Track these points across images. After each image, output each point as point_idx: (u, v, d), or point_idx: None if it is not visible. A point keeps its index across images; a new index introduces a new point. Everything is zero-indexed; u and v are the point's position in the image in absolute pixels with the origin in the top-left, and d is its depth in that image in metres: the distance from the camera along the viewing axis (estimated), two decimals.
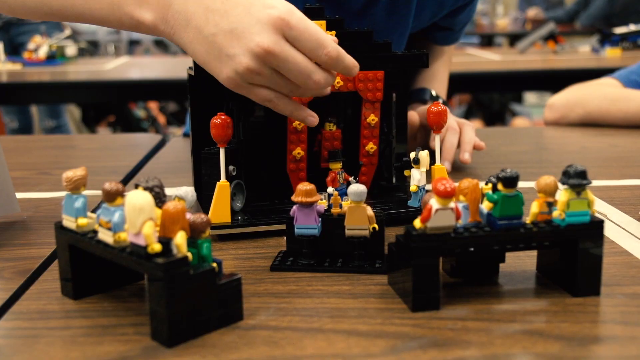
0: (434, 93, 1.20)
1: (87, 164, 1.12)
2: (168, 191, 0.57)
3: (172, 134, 3.66)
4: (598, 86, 1.47)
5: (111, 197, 0.53)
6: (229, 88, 0.71)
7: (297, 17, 0.68)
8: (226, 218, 0.73)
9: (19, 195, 0.87)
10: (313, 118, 0.74)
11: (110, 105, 4.33)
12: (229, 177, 0.74)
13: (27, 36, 3.20)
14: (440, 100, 1.24)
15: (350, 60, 0.71)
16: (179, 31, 0.72)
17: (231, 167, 0.75)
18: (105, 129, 4.47)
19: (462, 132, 1.06)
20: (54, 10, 0.81)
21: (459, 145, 1.04)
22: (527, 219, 0.58)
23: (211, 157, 0.76)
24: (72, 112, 4.27)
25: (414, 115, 1.05)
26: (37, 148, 1.34)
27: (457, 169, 1.05)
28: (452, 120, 1.07)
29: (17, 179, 1.02)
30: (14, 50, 3.18)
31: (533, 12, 5.73)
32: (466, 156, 1.03)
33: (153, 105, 4.60)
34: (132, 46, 6.08)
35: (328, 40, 0.69)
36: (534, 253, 0.64)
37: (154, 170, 1.09)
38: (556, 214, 0.57)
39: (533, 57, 2.95)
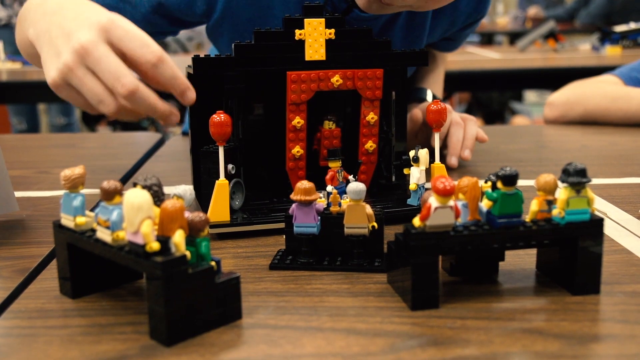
0: (429, 92, 1.20)
1: (86, 162, 1.12)
2: (167, 190, 0.57)
3: (171, 132, 3.66)
4: (598, 83, 1.47)
5: (109, 195, 0.53)
6: (53, 90, 0.71)
7: (124, 20, 0.69)
8: (225, 216, 0.73)
9: (18, 194, 0.87)
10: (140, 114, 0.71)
11: None
12: (228, 176, 0.73)
13: None
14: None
15: (176, 71, 0.68)
16: (40, 37, 0.75)
17: (230, 166, 0.75)
18: (104, 128, 4.46)
19: (464, 128, 1.06)
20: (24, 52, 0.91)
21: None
22: (527, 217, 0.58)
23: (210, 156, 0.76)
24: None
25: (417, 113, 1.05)
26: (35, 147, 1.34)
27: (458, 167, 1.04)
28: (456, 115, 1.07)
29: (16, 178, 1.02)
30: (16, 50, 3.18)
31: (533, 10, 5.73)
32: (466, 153, 1.03)
33: None
34: None
35: (154, 44, 0.69)
36: (534, 251, 0.64)
37: (153, 169, 1.09)
38: (556, 212, 0.57)
39: (533, 55, 2.95)
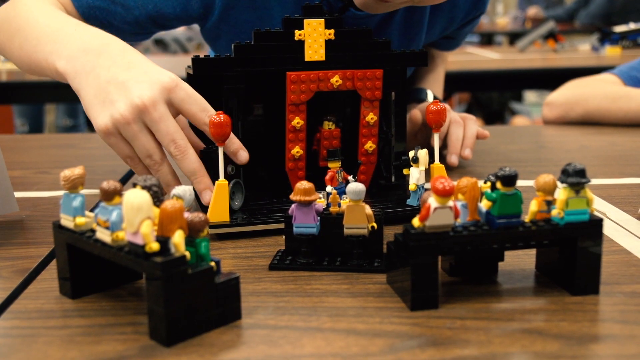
0: (429, 92, 1.20)
1: (86, 163, 1.12)
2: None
3: None
4: (598, 83, 1.47)
5: (109, 196, 0.53)
6: (100, 136, 0.75)
7: (184, 84, 0.74)
8: (225, 217, 0.73)
9: (18, 194, 0.87)
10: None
11: None
12: (227, 176, 0.73)
13: None
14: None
15: (236, 141, 0.75)
16: (81, 74, 0.77)
17: (230, 167, 0.75)
18: None
19: (464, 127, 1.06)
20: (28, 68, 0.91)
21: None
22: (526, 218, 0.58)
23: (209, 156, 0.76)
24: None
25: (417, 114, 1.05)
26: (35, 147, 1.34)
27: (457, 167, 1.04)
28: (455, 114, 1.07)
29: (16, 178, 1.02)
30: None
31: (533, 10, 5.73)
32: (467, 152, 1.03)
33: None
34: (132, 45, 6.08)
35: (211, 108, 0.74)
36: (533, 252, 0.64)
37: None
38: (555, 212, 0.57)
39: (533, 55, 2.95)
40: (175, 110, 0.74)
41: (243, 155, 0.76)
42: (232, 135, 0.73)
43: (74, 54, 0.79)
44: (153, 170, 0.75)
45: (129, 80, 0.74)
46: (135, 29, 1.03)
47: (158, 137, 0.73)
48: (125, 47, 0.80)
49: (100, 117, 0.74)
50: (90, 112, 0.75)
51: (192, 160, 0.73)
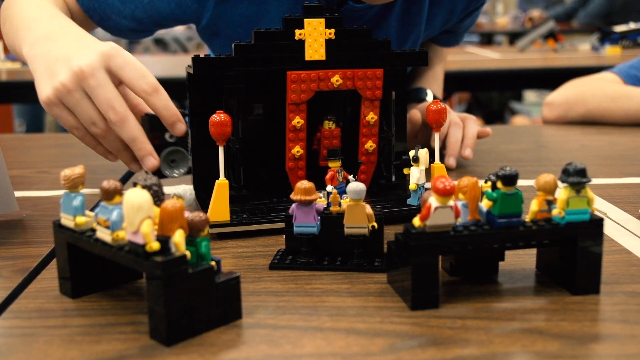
0: (429, 92, 1.20)
1: (86, 162, 1.12)
2: (166, 189, 0.57)
3: None
4: (598, 82, 1.47)
5: (109, 195, 0.53)
6: (44, 107, 0.74)
7: (124, 51, 0.74)
8: (225, 216, 0.73)
9: (18, 193, 0.87)
10: (135, 165, 0.77)
11: None
12: (166, 143, 0.73)
13: None
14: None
15: (169, 103, 0.73)
16: (37, 57, 0.78)
17: (168, 134, 0.74)
18: None
19: (464, 127, 1.06)
20: (13, 51, 0.92)
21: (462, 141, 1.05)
22: (527, 217, 0.58)
23: (150, 122, 0.74)
24: None
25: (416, 114, 1.05)
26: (35, 147, 1.33)
27: (457, 167, 1.04)
28: (455, 115, 1.07)
29: (16, 178, 1.02)
30: (6, 48, 3.17)
31: (536, 12, 5.72)
32: (467, 152, 1.03)
33: None
34: (132, 45, 6.08)
35: (151, 75, 0.73)
36: (534, 251, 0.64)
37: None
38: (556, 212, 0.57)
39: (533, 55, 2.95)
40: (116, 79, 0.73)
41: (179, 128, 0.74)
42: (171, 106, 0.73)
43: (35, 41, 0.80)
44: (100, 138, 0.75)
45: (71, 53, 0.74)
46: (132, 25, 1.04)
47: (97, 104, 0.72)
48: (83, 33, 0.80)
49: (44, 88, 0.74)
50: (38, 88, 0.75)
51: (132, 127, 0.72)
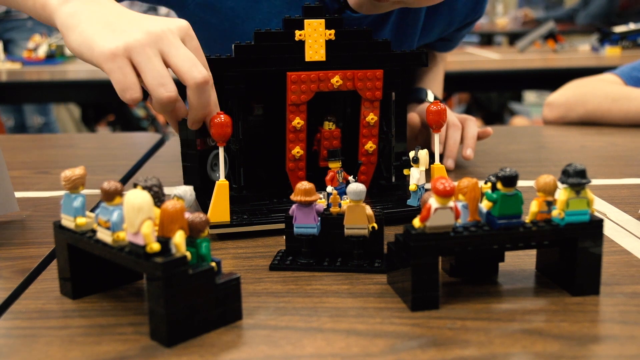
0: (429, 92, 1.20)
1: (86, 163, 1.12)
2: (167, 190, 0.57)
3: (171, 132, 3.66)
4: (598, 83, 1.47)
5: (110, 196, 0.53)
6: (101, 58, 0.69)
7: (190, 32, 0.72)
8: (225, 217, 0.73)
9: (18, 194, 0.87)
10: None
11: (109, 104, 4.33)
12: (210, 148, 0.73)
13: (16, 32, 3.21)
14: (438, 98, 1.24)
15: (214, 97, 0.72)
16: (86, 3, 0.73)
17: (209, 139, 0.74)
18: (104, 128, 4.46)
19: (464, 128, 1.06)
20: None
21: (461, 142, 1.05)
22: (527, 218, 0.58)
23: (188, 157, 0.74)
24: (71, 112, 4.27)
25: (414, 117, 1.05)
26: (35, 147, 1.34)
27: (457, 167, 1.05)
28: (453, 117, 1.07)
29: (16, 178, 1.02)
30: (5, 47, 3.17)
31: (524, 12, 5.72)
32: (468, 152, 1.03)
33: None
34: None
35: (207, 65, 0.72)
36: (534, 252, 0.64)
37: (153, 170, 1.09)
38: (555, 213, 0.57)
39: (533, 56, 2.95)
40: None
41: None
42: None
43: None
44: (159, 102, 0.69)
45: (143, 18, 0.71)
46: None
47: (176, 60, 0.69)
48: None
49: (110, 40, 0.68)
50: (94, 39, 0.70)
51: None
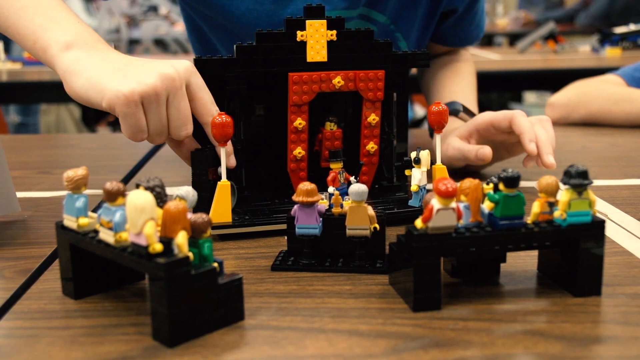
0: (465, 107, 1.11)
1: (87, 163, 1.12)
2: (168, 191, 0.57)
3: None
4: (600, 84, 1.47)
5: (112, 197, 0.53)
6: (114, 106, 0.70)
7: (198, 79, 0.75)
8: (227, 218, 0.73)
9: (19, 194, 0.87)
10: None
11: None
12: (219, 178, 0.73)
13: None
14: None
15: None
16: (89, 51, 0.76)
17: (219, 169, 0.74)
18: (104, 128, 4.46)
19: (545, 128, 0.92)
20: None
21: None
22: (529, 219, 0.58)
23: (200, 157, 0.75)
24: (71, 112, 4.27)
25: (484, 153, 0.91)
26: (37, 147, 1.34)
27: (459, 169, 1.04)
28: (528, 119, 0.94)
29: (17, 178, 1.02)
30: (5, 47, 3.16)
31: (522, 13, 5.72)
32: (550, 159, 0.88)
33: None
34: (132, 45, 6.08)
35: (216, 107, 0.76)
36: (535, 253, 0.64)
37: (154, 170, 1.09)
38: (557, 214, 0.57)
39: (533, 56, 2.95)
40: (189, 95, 0.74)
41: (233, 160, 0.77)
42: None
43: (74, 42, 0.76)
44: (154, 142, 0.75)
45: (152, 63, 0.73)
46: None
47: (174, 113, 0.72)
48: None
49: (125, 84, 0.70)
50: (105, 84, 0.71)
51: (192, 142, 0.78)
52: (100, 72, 0.72)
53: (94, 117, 4.45)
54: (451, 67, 1.26)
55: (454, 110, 1.10)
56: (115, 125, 4.43)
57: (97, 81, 0.72)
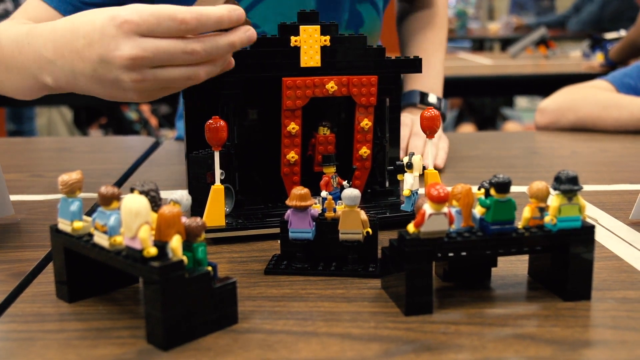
0: (431, 95, 1.19)
1: (80, 166, 1.12)
2: (162, 195, 0.57)
3: (164, 136, 3.65)
4: (590, 89, 1.48)
5: (107, 201, 0.53)
6: (139, 102, 0.71)
7: (139, 10, 0.67)
8: (221, 221, 0.73)
9: (13, 197, 0.87)
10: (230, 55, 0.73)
11: (101, 107, 4.32)
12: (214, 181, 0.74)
13: None
14: (435, 98, 1.22)
15: (215, 14, 0.68)
16: (73, 82, 0.75)
17: (220, 172, 0.75)
18: (96, 131, 4.45)
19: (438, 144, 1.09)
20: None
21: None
22: (519, 224, 0.59)
23: (198, 161, 0.76)
24: (63, 114, 4.26)
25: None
26: (30, 150, 1.34)
27: (452, 174, 1.05)
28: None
29: (11, 182, 1.02)
30: None
31: (514, 19, 5.75)
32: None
33: (145, 108, 4.58)
34: None
35: (178, 11, 0.67)
36: (526, 257, 0.65)
37: (147, 173, 1.10)
38: (548, 219, 0.58)
39: (524, 61, 2.97)
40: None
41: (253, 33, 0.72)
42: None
43: (53, 65, 0.75)
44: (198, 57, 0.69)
45: (101, 54, 0.69)
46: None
47: (174, 63, 0.69)
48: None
49: (123, 93, 0.71)
50: (112, 98, 0.73)
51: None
52: (95, 87, 0.73)
53: (86, 119, 4.44)
54: (423, 17, 1.29)
55: (411, 103, 1.18)
56: (107, 128, 4.42)
57: (106, 96, 0.74)
